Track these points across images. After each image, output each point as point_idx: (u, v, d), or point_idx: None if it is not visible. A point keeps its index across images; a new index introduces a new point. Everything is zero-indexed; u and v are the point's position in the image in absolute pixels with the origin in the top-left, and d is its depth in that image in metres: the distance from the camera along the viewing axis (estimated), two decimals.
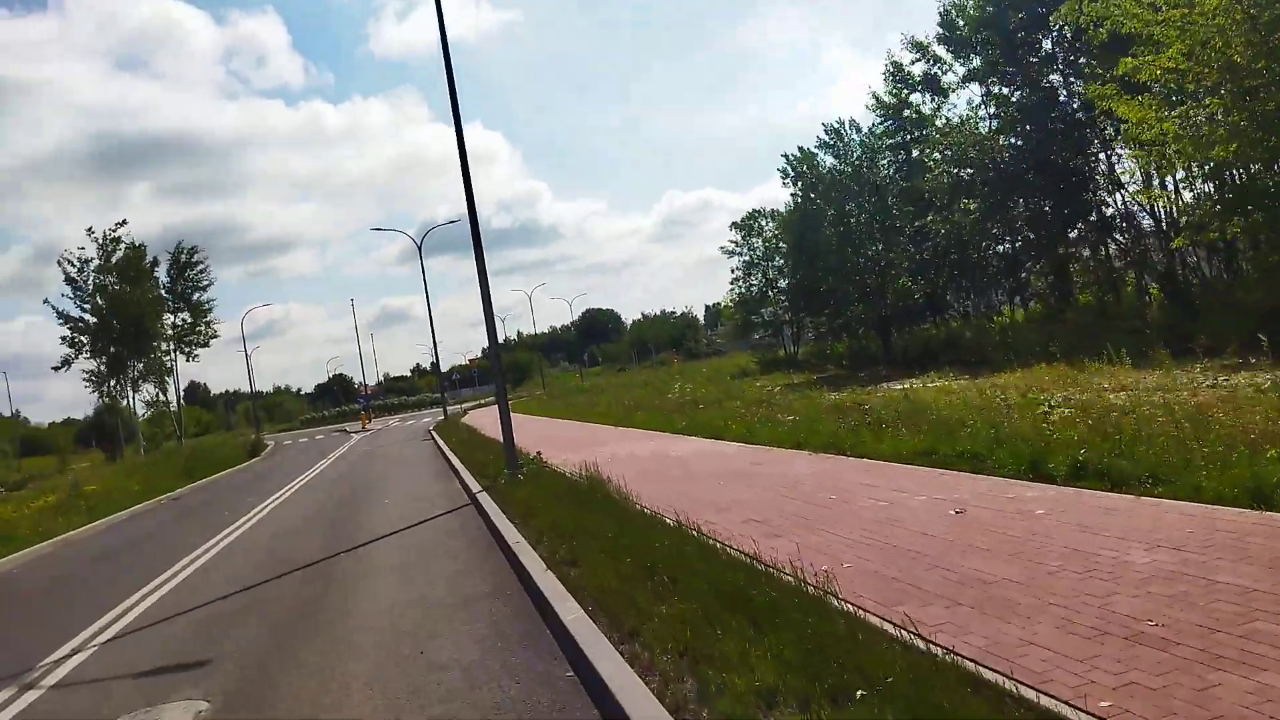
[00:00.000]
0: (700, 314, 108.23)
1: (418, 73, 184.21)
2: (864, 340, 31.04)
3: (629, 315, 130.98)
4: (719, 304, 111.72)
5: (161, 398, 41.50)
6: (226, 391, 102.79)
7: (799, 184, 31.78)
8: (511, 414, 12.89)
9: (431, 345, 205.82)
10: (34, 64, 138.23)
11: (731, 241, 43.89)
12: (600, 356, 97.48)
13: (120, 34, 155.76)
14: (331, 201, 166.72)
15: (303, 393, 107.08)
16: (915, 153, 29.49)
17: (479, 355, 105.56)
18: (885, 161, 29.98)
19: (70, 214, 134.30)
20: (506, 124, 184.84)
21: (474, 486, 12.39)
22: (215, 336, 47.63)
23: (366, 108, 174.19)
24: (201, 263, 46.31)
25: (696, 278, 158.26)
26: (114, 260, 40.88)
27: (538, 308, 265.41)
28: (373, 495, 14.85)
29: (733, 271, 43.97)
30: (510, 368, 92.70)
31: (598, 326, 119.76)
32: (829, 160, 30.77)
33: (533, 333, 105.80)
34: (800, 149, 31.62)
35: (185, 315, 46.47)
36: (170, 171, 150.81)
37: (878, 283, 29.65)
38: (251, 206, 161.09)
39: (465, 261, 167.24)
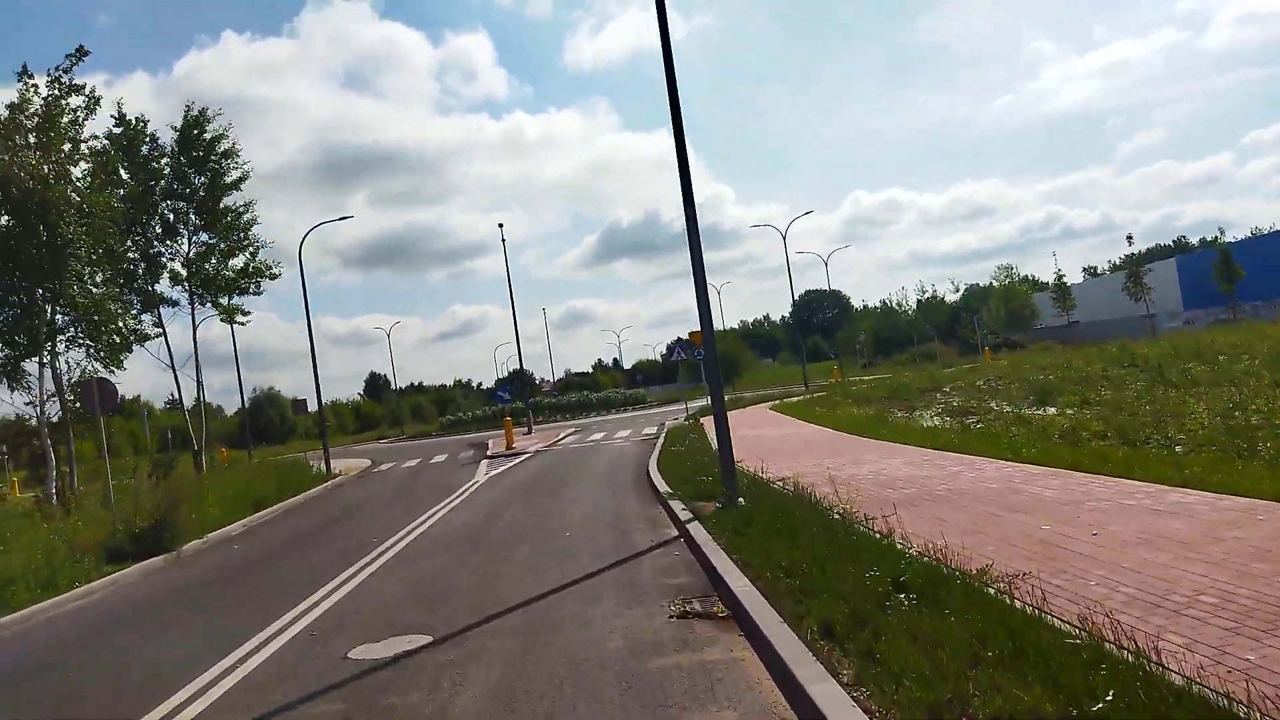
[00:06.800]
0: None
1: (608, 83, 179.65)
2: None
3: (857, 297, 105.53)
4: (929, 295, 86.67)
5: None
6: (410, 385, 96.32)
7: None
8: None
9: (616, 342, 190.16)
10: (274, 84, 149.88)
11: None
12: (833, 349, 71.58)
13: (348, 55, 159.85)
14: (524, 207, 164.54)
15: (483, 387, 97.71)
16: None
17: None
18: None
19: (300, 219, 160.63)
20: (692, 129, 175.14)
21: None
22: (270, 276, 26.74)
23: (560, 118, 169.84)
24: (226, 136, 25.30)
25: (884, 279, 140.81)
26: (54, 125, 19.16)
27: (723, 307, 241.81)
28: None
29: None
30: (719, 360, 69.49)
31: (812, 313, 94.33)
32: None
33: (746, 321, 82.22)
34: None
35: (204, 236, 25.77)
36: (385, 181, 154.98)
37: None
38: (455, 214, 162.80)
39: (646, 265, 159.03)
